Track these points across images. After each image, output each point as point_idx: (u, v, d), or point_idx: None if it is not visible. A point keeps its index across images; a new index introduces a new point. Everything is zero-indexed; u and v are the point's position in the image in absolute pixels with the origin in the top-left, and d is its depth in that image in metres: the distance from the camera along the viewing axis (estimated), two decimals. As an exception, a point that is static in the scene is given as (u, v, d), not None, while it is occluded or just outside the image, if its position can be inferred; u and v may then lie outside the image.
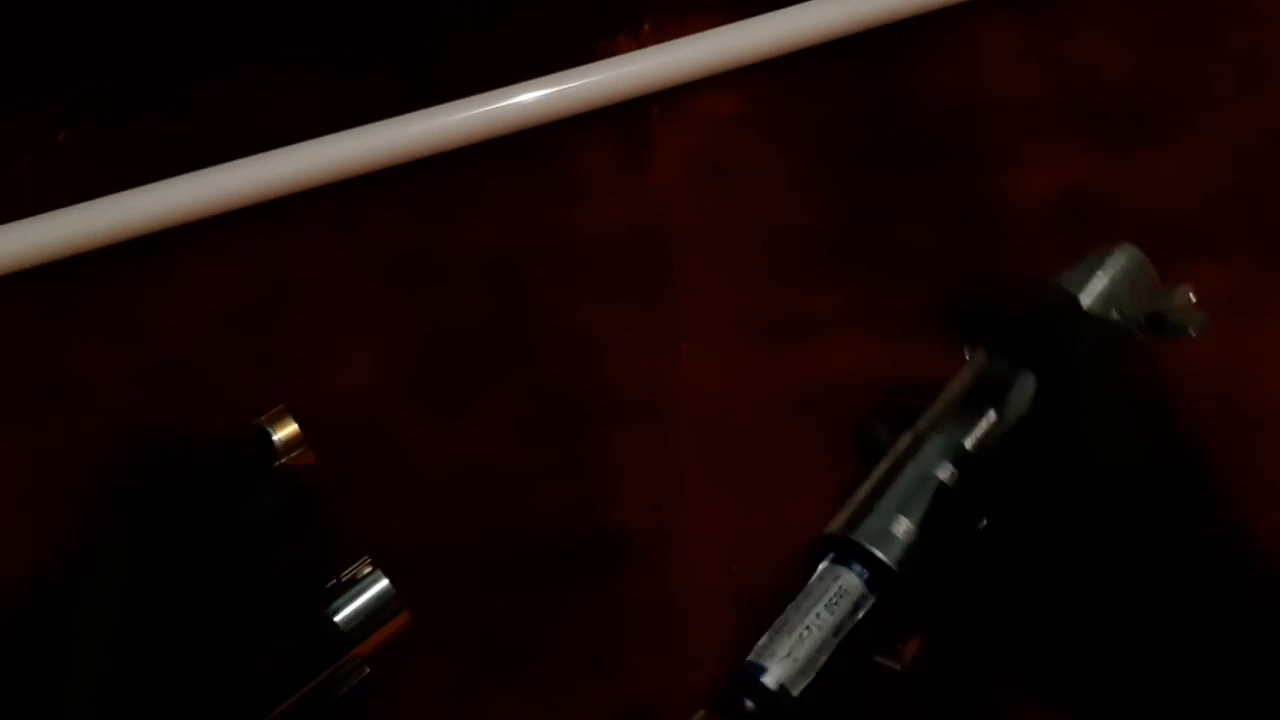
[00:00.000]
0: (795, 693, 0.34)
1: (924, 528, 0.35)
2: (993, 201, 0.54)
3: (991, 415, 0.37)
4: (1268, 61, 0.56)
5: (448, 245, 0.54)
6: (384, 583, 0.45)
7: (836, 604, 0.35)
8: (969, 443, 0.37)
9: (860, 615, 0.35)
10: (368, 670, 0.45)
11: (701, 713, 0.34)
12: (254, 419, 0.48)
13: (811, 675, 0.34)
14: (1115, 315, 0.39)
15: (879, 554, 0.35)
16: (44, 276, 0.53)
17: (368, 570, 0.45)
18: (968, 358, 0.40)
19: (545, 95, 0.54)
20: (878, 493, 0.36)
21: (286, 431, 0.48)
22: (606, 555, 0.50)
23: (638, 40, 0.56)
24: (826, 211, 0.54)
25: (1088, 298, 0.39)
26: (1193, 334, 0.39)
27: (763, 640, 0.35)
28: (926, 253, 0.54)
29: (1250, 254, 0.54)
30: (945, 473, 0.36)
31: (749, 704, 0.34)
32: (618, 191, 0.54)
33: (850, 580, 0.35)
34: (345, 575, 0.45)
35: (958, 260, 0.54)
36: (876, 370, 0.52)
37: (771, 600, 0.49)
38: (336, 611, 0.44)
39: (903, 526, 0.35)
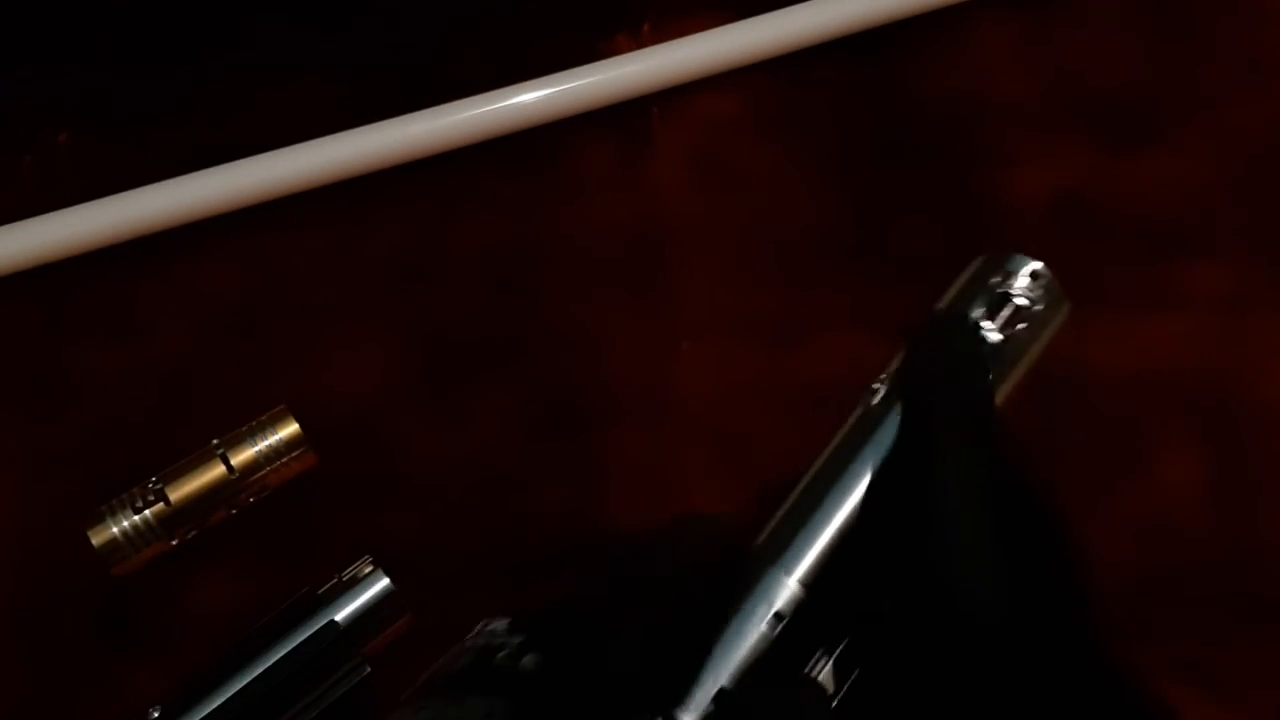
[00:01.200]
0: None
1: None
2: (992, 201, 0.54)
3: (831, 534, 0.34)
4: (1267, 61, 0.56)
5: (447, 245, 0.54)
6: (385, 582, 0.45)
7: None
8: (802, 573, 0.33)
9: None
10: (369, 670, 0.45)
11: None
12: (254, 418, 0.48)
13: None
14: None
15: None
16: (44, 276, 0.53)
17: (368, 569, 0.45)
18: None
19: (545, 95, 0.54)
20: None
21: (288, 431, 0.48)
22: (606, 555, 0.50)
23: (638, 40, 0.56)
24: (827, 211, 0.54)
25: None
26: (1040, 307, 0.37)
27: None
28: (927, 252, 0.54)
29: (1250, 254, 0.54)
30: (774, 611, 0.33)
31: None
32: (618, 191, 0.54)
33: None
34: (346, 575, 0.45)
35: (957, 260, 0.54)
36: (876, 370, 0.52)
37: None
38: (337, 611, 0.44)
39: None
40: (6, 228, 0.52)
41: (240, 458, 0.48)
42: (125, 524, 0.46)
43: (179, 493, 0.47)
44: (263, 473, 0.48)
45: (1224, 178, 0.55)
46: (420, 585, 0.49)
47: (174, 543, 0.48)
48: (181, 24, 0.56)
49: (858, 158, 0.55)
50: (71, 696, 0.48)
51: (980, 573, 0.31)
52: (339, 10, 0.57)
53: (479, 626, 0.35)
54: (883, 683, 0.32)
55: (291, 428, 0.48)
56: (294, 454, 0.48)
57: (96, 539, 0.46)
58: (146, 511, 0.47)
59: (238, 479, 0.48)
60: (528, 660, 0.32)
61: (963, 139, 0.55)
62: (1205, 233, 0.54)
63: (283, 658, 0.43)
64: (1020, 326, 0.37)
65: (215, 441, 0.48)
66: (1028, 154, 0.55)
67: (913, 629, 0.31)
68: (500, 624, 0.34)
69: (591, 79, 0.54)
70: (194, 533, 0.48)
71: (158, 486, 0.47)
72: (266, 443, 0.48)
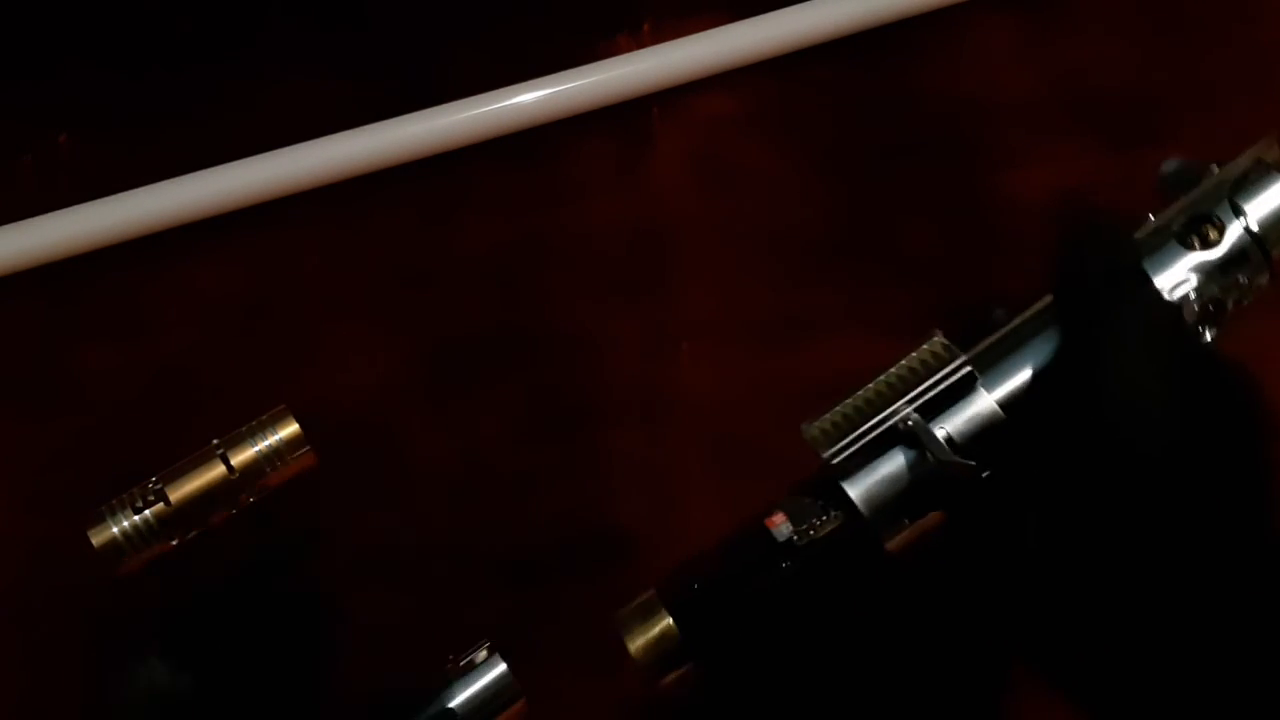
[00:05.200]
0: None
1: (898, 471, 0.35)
2: (992, 201, 0.54)
3: (1027, 373, 0.36)
4: (1267, 61, 0.56)
5: (448, 245, 0.54)
6: (501, 668, 0.43)
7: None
8: (1012, 384, 0.36)
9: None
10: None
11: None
12: (254, 418, 0.48)
13: None
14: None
15: (847, 490, 0.35)
16: (44, 276, 0.53)
17: (484, 655, 0.44)
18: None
19: (545, 95, 0.54)
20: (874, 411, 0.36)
21: (288, 431, 0.48)
22: (606, 555, 0.50)
23: (638, 40, 0.56)
24: (826, 211, 0.54)
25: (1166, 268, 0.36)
26: None
27: None
28: (926, 252, 0.54)
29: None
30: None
31: None
32: (618, 191, 0.54)
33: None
34: (463, 659, 0.44)
35: (957, 260, 0.54)
36: (876, 369, 0.52)
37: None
38: (453, 697, 0.43)
39: (883, 470, 0.35)
40: (6, 228, 0.52)
41: (240, 458, 0.47)
42: (125, 524, 0.46)
43: (179, 493, 0.47)
44: (263, 473, 0.48)
45: (1224, 178, 0.55)
46: (421, 585, 0.49)
47: (174, 543, 0.48)
48: (181, 25, 0.56)
49: (857, 158, 0.55)
50: (71, 696, 0.48)
51: (1147, 405, 0.32)
52: (339, 11, 0.57)
53: None
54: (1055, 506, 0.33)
55: (291, 428, 0.48)
56: (294, 454, 0.48)
57: (96, 539, 0.46)
58: (146, 511, 0.47)
59: (238, 479, 0.47)
60: None
61: (963, 139, 0.55)
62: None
63: None
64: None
65: (215, 441, 0.48)
66: (1028, 154, 0.55)
67: (1077, 453, 0.33)
68: None
69: (591, 79, 0.54)
70: (194, 533, 0.48)
71: (158, 486, 0.47)
72: (266, 443, 0.48)
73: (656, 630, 0.37)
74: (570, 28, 0.56)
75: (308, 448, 0.48)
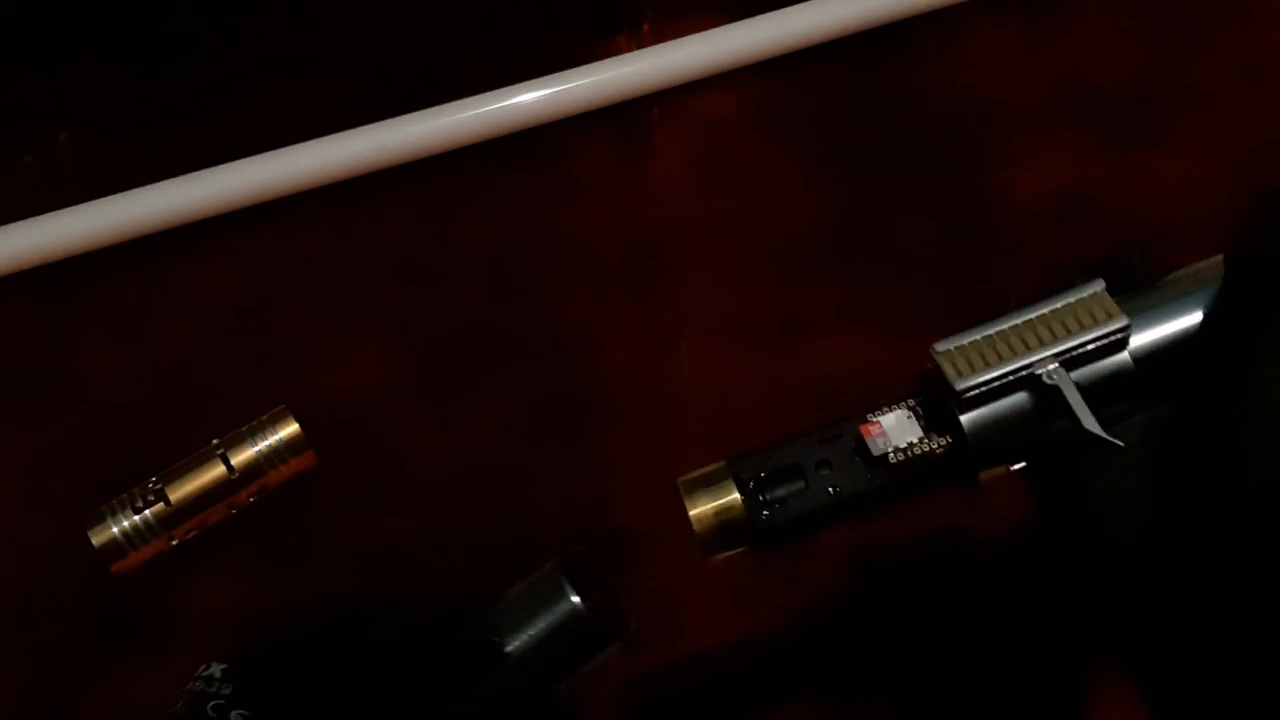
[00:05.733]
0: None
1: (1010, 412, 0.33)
2: (992, 201, 0.54)
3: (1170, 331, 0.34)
4: (1268, 61, 0.56)
5: (448, 245, 0.54)
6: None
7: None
8: (1149, 339, 0.34)
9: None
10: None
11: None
12: (254, 418, 0.48)
13: None
14: None
15: (964, 425, 0.33)
16: (44, 277, 0.53)
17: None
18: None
19: (545, 95, 0.54)
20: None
21: (288, 431, 0.48)
22: (606, 554, 0.50)
23: (638, 40, 0.56)
24: (826, 211, 0.54)
25: None
26: None
27: None
28: (926, 252, 0.54)
29: (1249, 254, 0.54)
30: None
31: None
32: (618, 191, 0.54)
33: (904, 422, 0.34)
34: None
35: (957, 259, 0.54)
36: (876, 369, 0.52)
37: (769, 599, 0.50)
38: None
39: (1004, 412, 0.33)
40: (6, 228, 0.52)
41: (240, 458, 0.48)
42: (125, 524, 0.47)
43: (179, 493, 0.47)
44: (263, 473, 0.48)
45: (1224, 176, 0.55)
46: (420, 585, 0.49)
47: (174, 543, 0.48)
48: (181, 25, 0.56)
49: (857, 157, 0.55)
50: (71, 696, 0.48)
51: None
52: (340, 11, 0.57)
53: (199, 671, 0.36)
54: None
55: (291, 428, 0.48)
56: (294, 454, 0.48)
57: (96, 539, 0.46)
58: (146, 511, 0.47)
59: (238, 479, 0.48)
60: (234, 716, 0.34)
61: (963, 139, 0.55)
62: (1207, 233, 0.54)
63: None
64: None
65: (215, 441, 0.48)
66: (1028, 154, 0.55)
67: (1214, 427, 0.31)
68: (216, 669, 0.35)
69: (591, 79, 0.54)
70: (194, 533, 0.48)
71: (158, 486, 0.47)
72: (266, 443, 0.48)
73: (721, 503, 0.36)
74: (570, 28, 0.56)
75: (308, 448, 0.48)
